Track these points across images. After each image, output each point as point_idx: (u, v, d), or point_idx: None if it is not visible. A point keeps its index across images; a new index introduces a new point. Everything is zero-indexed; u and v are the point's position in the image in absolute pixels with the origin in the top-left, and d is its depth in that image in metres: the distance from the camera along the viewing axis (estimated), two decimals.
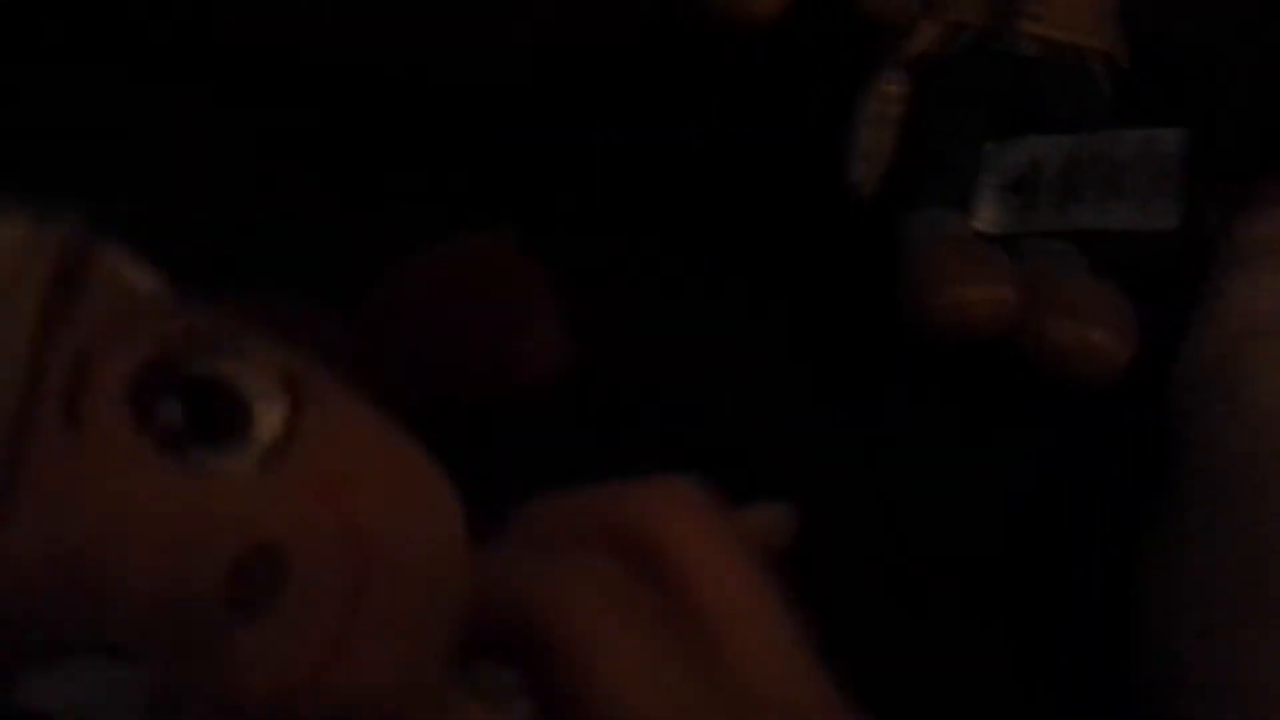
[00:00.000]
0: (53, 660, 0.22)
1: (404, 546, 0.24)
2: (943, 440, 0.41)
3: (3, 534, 0.21)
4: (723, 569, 0.27)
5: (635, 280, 0.45)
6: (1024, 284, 0.40)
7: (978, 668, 0.36)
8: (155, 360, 0.23)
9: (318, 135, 0.48)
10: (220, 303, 0.27)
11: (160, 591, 0.21)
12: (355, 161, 0.48)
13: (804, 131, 0.46)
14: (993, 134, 0.44)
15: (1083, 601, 0.36)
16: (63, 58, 0.48)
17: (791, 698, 0.26)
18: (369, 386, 0.25)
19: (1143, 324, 0.40)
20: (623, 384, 0.43)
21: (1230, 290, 0.38)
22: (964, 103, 0.45)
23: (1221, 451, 0.35)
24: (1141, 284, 0.40)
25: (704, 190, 0.47)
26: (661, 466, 0.29)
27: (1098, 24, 0.46)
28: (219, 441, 0.23)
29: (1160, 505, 0.36)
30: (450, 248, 0.28)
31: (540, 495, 0.28)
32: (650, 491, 0.28)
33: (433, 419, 0.26)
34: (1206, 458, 0.35)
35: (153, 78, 0.48)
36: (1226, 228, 0.39)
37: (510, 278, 0.28)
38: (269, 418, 0.23)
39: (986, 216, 0.42)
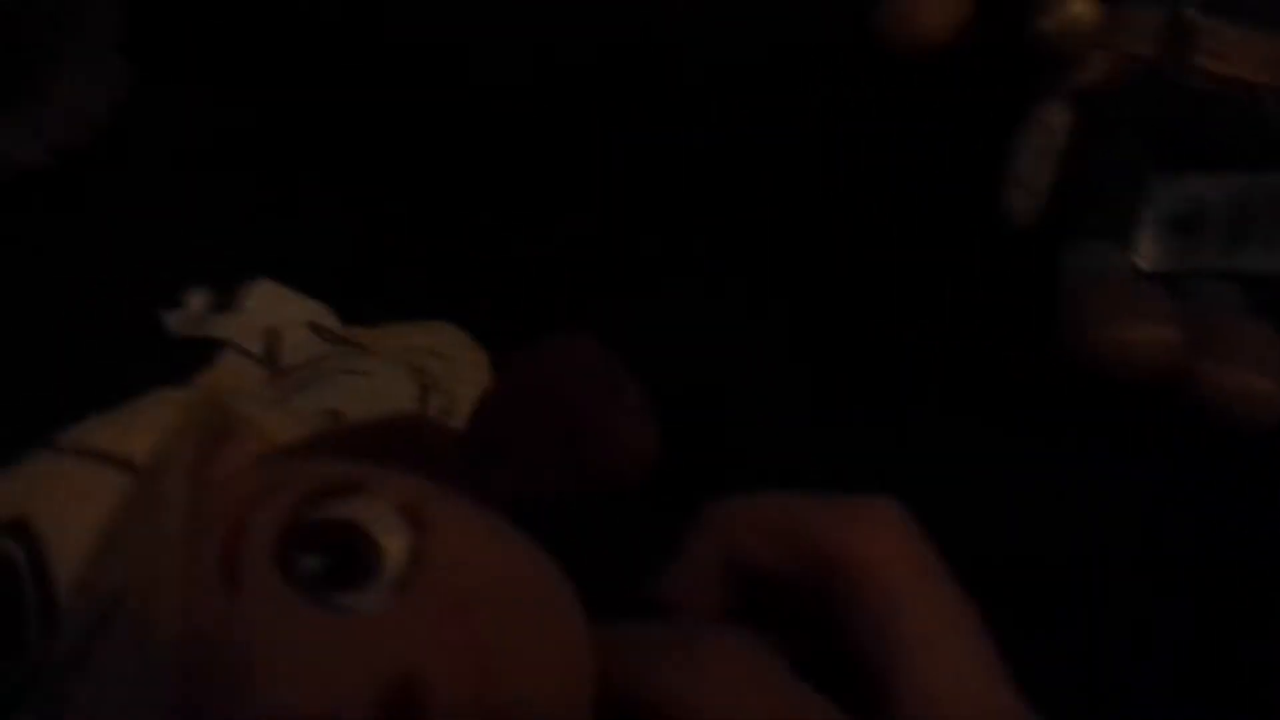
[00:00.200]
0: None
1: (532, 654, 0.25)
2: (1099, 478, 0.41)
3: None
4: (926, 593, 0.27)
5: (786, 303, 0.46)
6: (1185, 325, 0.40)
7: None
8: (296, 513, 0.25)
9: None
10: (341, 432, 0.29)
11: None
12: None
13: (965, 157, 0.47)
14: (1158, 169, 0.43)
15: (1232, 647, 0.36)
16: None
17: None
18: (484, 494, 0.27)
19: None
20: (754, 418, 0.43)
21: None
22: (1130, 136, 0.45)
23: None
24: None
25: (860, 211, 0.48)
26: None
27: (1271, 60, 0.45)
28: (355, 582, 0.25)
29: None
30: (541, 352, 0.30)
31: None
32: (856, 511, 0.28)
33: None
34: None
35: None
36: None
37: (601, 377, 0.30)
38: (395, 550, 0.25)
39: (1149, 253, 0.42)
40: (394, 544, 0.25)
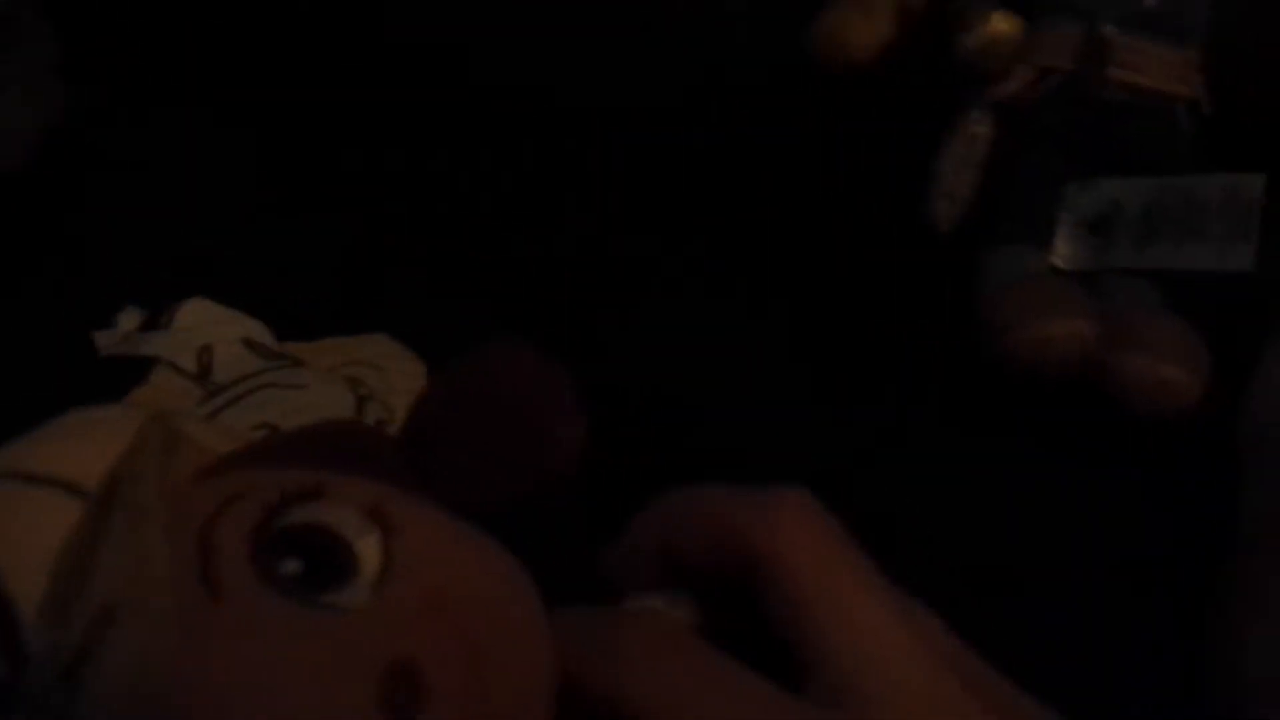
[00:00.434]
0: None
1: (508, 642, 0.27)
2: (1016, 472, 0.42)
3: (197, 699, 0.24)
4: (835, 578, 0.28)
5: (715, 306, 0.46)
6: (1100, 320, 0.41)
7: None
8: (262, 520, 0.26)
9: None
10: (290, 439, 0.30)
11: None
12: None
13: (888, 166, 0.48)
14: (1075, 176, 0.45)
15: (1152, 629, 0.37)
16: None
17: (918, 694, 0.27)
18: (426, 494, 0.28)
19: (1216, 361, 0.40)
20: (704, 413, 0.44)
21: None
22: (1048, 145, 0.46)
23: None
24: (1216, 323, 0.41)
25: (786, 218, 0.49)
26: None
27: (1183, 71, 0.47)
28: (333, 583, 0.26)
29: (1231, 533, 0.36)
30: (476, 356, 0.30)
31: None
32: (767, 504, 0.29)
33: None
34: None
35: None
36: None
37: (536, 378, 0.30)
38: (369, 551, 0.26)
39: (1065, 254, 0.43)
40: (366, 545, 0.26)
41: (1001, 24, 0.47)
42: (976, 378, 0.43)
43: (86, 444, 0.28)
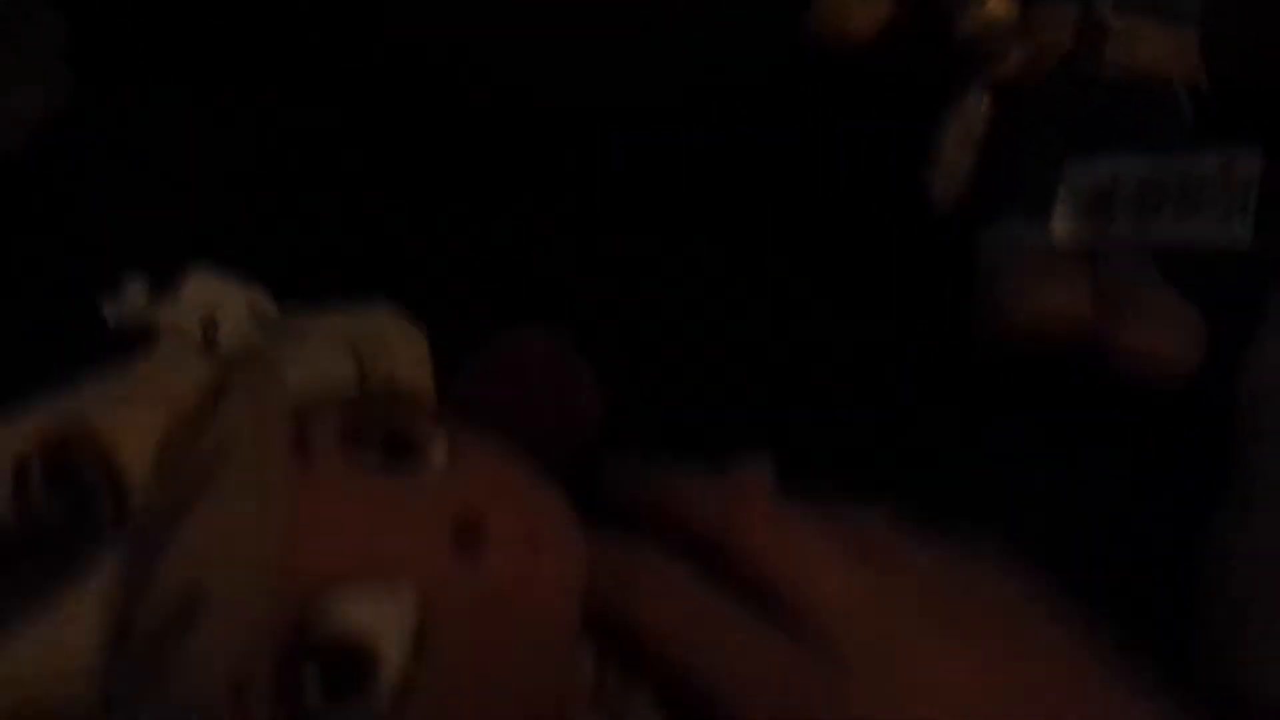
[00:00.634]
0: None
1: (556, 522, 0.32)
2: (1016, 444, 0.42)
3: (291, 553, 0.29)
4: (793, 554, 0.30)
5: (712, 287, 0.47)
6: (1098, 295, 0.41)
7: None
8: (348, 418, 0.32)
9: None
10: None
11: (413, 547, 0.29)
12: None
13: (888, 146, 0.48)
14: (1073, 154, 0.45)
15: (1146, 597, 0.37)
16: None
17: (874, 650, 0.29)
18: None
19: (1213, 334, 0.41)
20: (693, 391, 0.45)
21: None
22: (1047, 123, 0.46)
23: None
24: (1213, 298, 0.41)
25: (783, 197, 0.49)
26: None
27: (1181, 51, 0.47)
28: (409, 463, 0.31)
29: (1224, 501, 0.37)
30: (509, 344, 0.36)
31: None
32: (723, 483, 0.33)
33: None
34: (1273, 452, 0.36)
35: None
36: None
37: (562, 365, 0.36)
38: (436, 453, 0.32)
39: (1064, 230, 0.43)
40: (435, 449, 0.31)
41: (998, 6, 0.48)
42: (976, 354, 0.43)
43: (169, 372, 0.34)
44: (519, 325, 0.36)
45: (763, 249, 0.48)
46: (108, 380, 0.33)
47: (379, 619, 0.29)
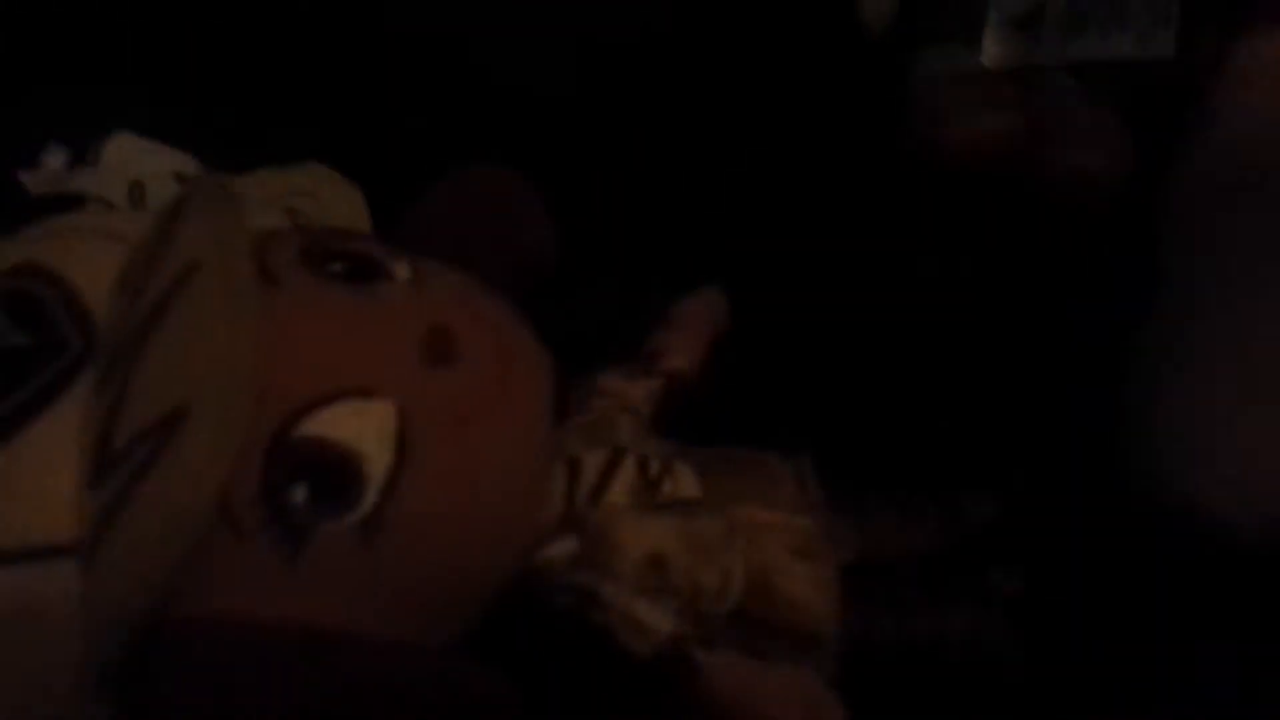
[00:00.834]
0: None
1: (524, 340, 0.33)
2: (947, 266, 0.43)
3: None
4: None
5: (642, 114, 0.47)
6: (1029, 114, 0.42)
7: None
8: (309, 241, 0.32)
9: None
10: None
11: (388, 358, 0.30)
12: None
13: None
14: None
15: (1078, 408, 0.39)
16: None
17: None
18: None
19: (1141, 149, 0.41)
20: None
21: (1225, 109, 0.39)
22: None
23: (1223, 242, 0.37)
24: (1139, 112, 0.42)
25: (713, 29, 0.48)
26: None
27: None
28: (374, 281, 0.32)
29: (1149, 310, 0.38)
30: (460, 177, 0.37)
31: None
32: None
33: None
34: (1204, 251, 0.37)
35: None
36: (1225, 51, 0.40)
37: (512, 194, 0.37)
38: (400, 270, 0.32)
39: (994, 52, 0.44)
40: (398, 267, 0.32)
41: None
42: (908, 176, 0.43)
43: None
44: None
45: (701, 73, 0.47)
46: (50, 225, 0.33)
47: (362, 426, 0.29)
